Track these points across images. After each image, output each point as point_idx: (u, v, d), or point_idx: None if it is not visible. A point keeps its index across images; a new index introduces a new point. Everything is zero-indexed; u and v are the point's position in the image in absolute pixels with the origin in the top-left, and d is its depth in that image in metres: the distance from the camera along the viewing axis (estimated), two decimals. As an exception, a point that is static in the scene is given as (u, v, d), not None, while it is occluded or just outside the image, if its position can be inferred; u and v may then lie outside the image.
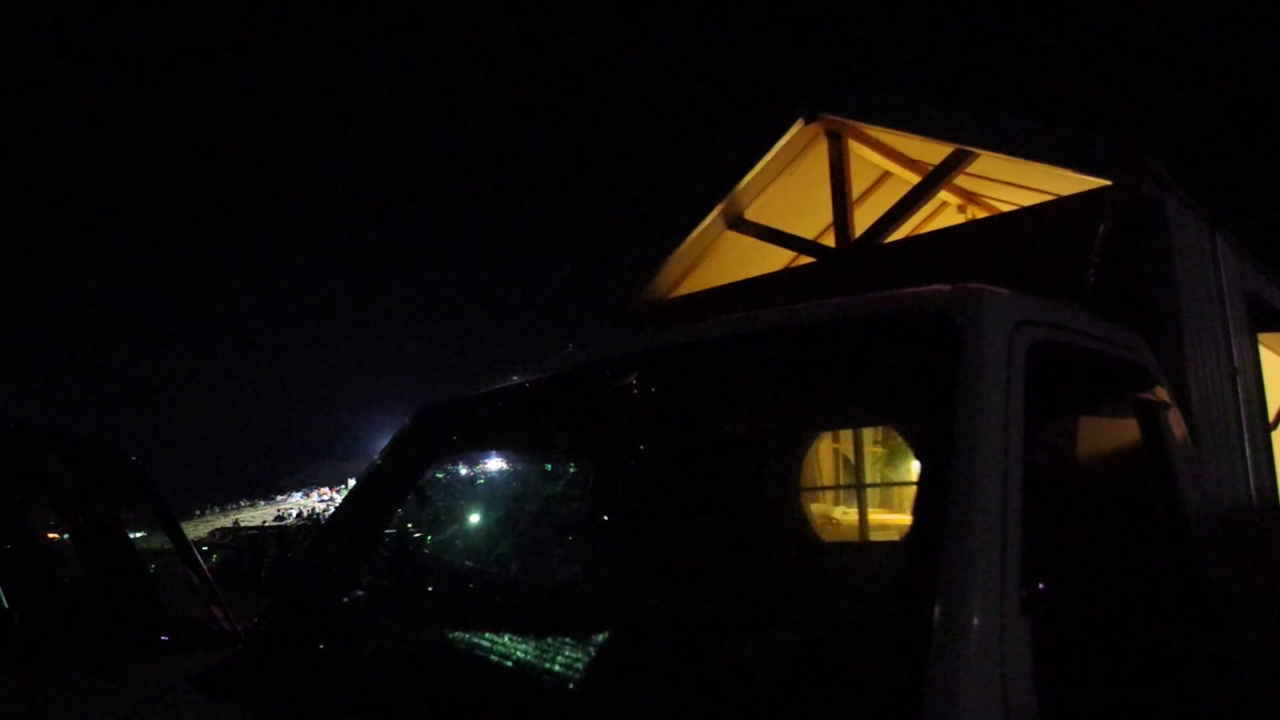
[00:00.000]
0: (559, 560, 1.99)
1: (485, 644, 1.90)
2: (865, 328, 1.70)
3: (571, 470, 2.03)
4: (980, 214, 7.20)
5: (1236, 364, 5.16)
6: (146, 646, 3.06)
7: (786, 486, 3.76)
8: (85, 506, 3.42)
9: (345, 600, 2.25)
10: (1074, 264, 2.48)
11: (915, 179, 6.26)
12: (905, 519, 1.36)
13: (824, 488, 8.51)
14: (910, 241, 6.31)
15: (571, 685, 1.70)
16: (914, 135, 5.72)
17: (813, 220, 7.06)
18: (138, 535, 3.71)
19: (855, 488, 8.35)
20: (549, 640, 1.81)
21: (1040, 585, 1.24)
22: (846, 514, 8.24)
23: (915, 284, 1.68)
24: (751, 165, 6.38)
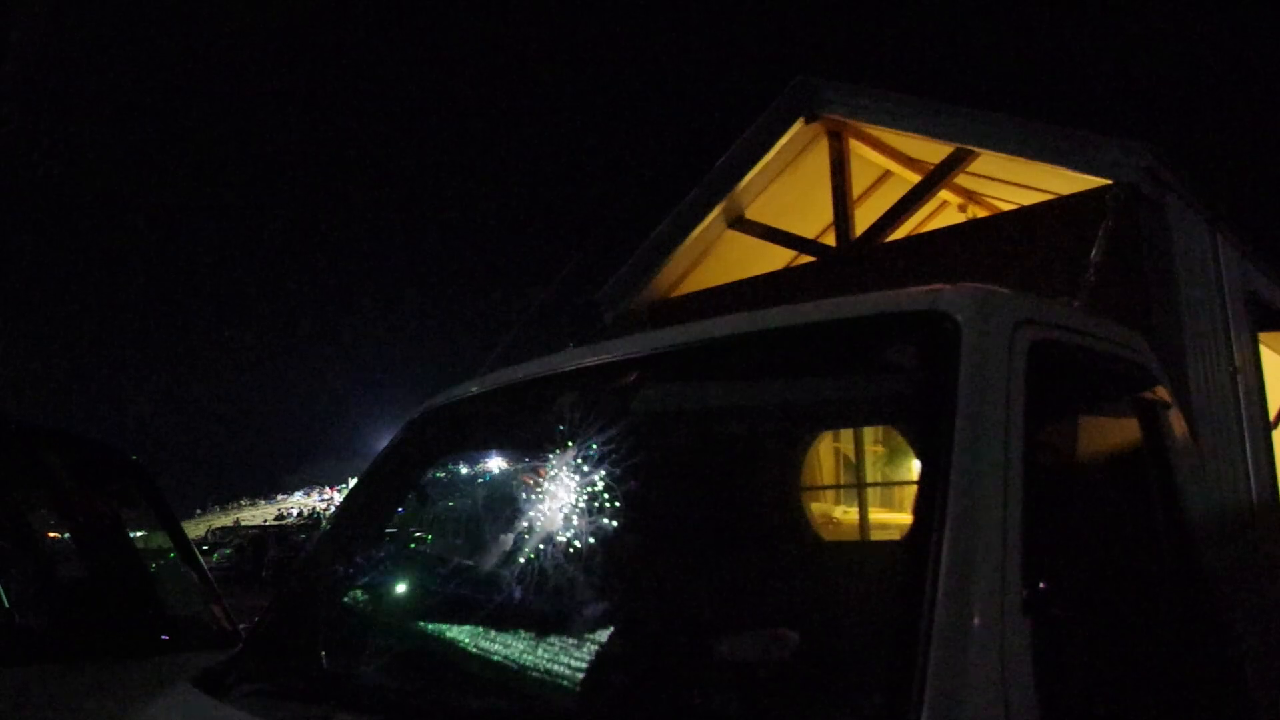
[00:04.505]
0: (558, 561, 1.98)
1: (485, 644, 1.89)
2: (866, 327, 1.70)
3: (571, 470, 2.03)
4: (981, 213, 7.20)
5: (1237, 363, 5.16)
6: (146, 646, 3.06)
7: (787, 486, 3.75)
8: (85, 506, 3.42)
9: (345, 600, 2.25)
10: (1074, 263, 2.48)
11: (916, 178, 6.26)
12: (906, 518, 1.36)
13: (824, 487, 8.50)
14: (911, 241, 6.31)
15: (572, 685, 1.70)
16: (915, 134, 5.73)
17: (813, 219, 7.06)
18: (138, 535, 3.70)
19: (856, 487, 8.34)
20: (549, 640, 1.80)
21: (1041, 585, 1.24)
22: (847, 513, 8.23)
23: (916, 283, 1.68)
24: (752, 164, 6.38)
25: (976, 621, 1.16)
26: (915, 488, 1.36)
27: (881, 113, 5.75)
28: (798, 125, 6.15)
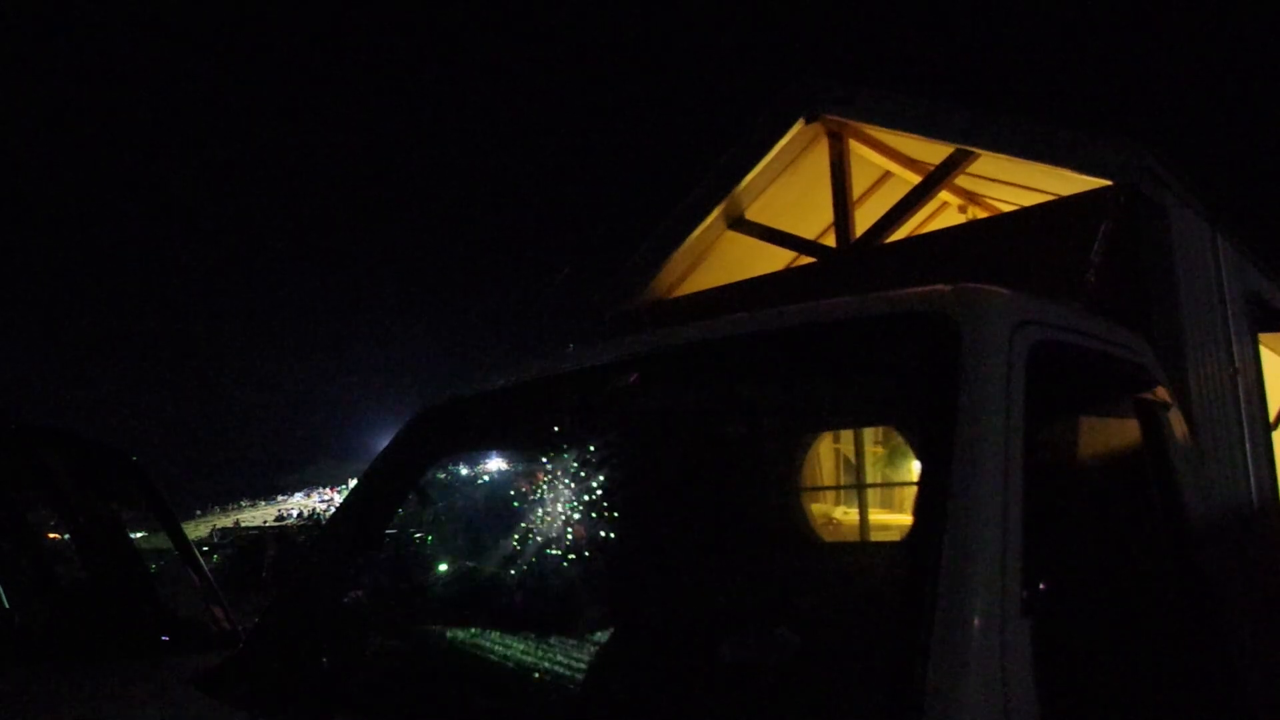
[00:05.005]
0: (559, 561, 1.99)
1: (485, 644, 1.90)
2: (866, 327, 1.70)
3: (571, 471, 2.03)
4: (981, 214, 7.20)
5: (1237, 364, 5.16)
6: (146, 646, 3.06)
7: (787, 486, 3.75)
8: (85, 506, 3.42)
9: (345, 600, 2.25)
10: (1074, 264, 2.48)
11: (916, 179, 6.25)
12: (906, 519, 1.36)
13: (825, 488, 8.50)
14: (911, 241, 6.30)
15: (572, 685, 1.70)
16: (915, 135, 5.72)
17: (813, 220, 7.05)
18: (138, 535, 3.70)
19: (856, 488, 8.34)
20: (549, 640, 1.81)
21: (1041, 586, 1.24)
22: (847, 514, 8.23)
23: (916, 284, 1.68)
24: (752, 165, 6.37)
25: (976, 621, 1.16)
26: (915, 488, 1.36)
27: (882, 113, 5.74)
28: (798, 126, 6.14)
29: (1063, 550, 1.50)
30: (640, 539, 2.43)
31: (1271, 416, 5.77)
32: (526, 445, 2.47)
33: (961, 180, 6.36)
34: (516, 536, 2.12)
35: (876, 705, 1.18)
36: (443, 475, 2.62)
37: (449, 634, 2.03)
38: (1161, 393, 2.04)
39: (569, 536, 1.99)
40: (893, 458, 9.00)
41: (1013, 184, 6.33)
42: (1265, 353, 5.90)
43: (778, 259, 7.02)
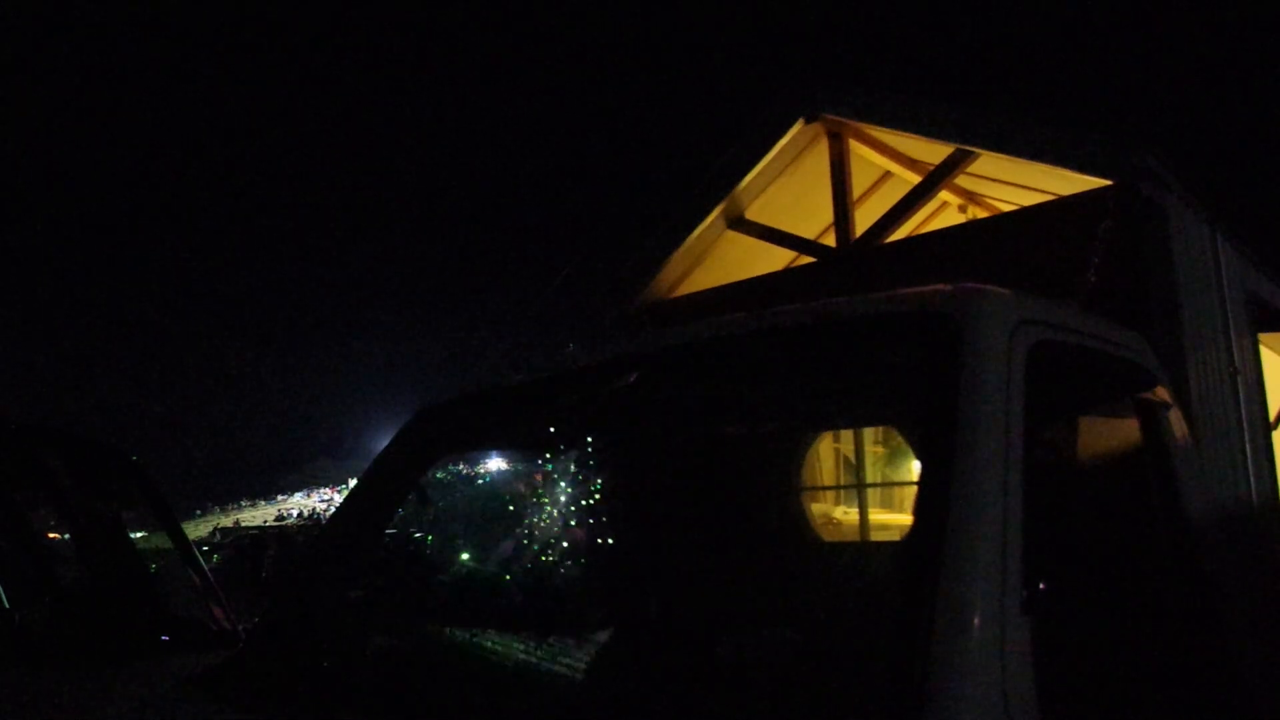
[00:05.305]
0: (559, 560, 1.99)
1: (485, 644, 1.90)
2: (866, 327, 1.70)
3: (572, 470, 2.03)
4: (981, 214, 7.20)
5: (1237, 364, 5.16)
6: (146, 646, 3.06)
7: (787, 486, 3.76)
8: (85, 506, 3.42)
9: (345, 600, 2.25)
10: (1074, 264, 2.48)
11: (916, 179, 6.25)
12: (906, 519, 1.36)
13: (825, 487, 8.50)
14: (911, 241, 6.31)
15: (571, 685, 1.70)
16: (915, 135, 5.72)
17: (813, 220, 7.05)
18: (138, 535, 3.71)
19: (856, 487, 8.33)
20: (549, 640, 1.81)
21: (1041, 585, 1.24)
22: (847, 514, 8.22)
23: (916, 284, 1.68)
24: (752, 165, 6.37)
25: (977, 622, 1.16)
26: (915, 488, 1.36)
27: (881, 113, 5.75)
28: (797, 126, 6.14)
29: (1063, 550, 1.50)
30: (641, 539, 2.43)
31: (1271, 416, 5.78)
32: (526, 445, 2.47)
33: (961, 180, 6.37)
34: (516, 536, 2.12)
35: (876, 705, 1.18)
36: (443, 475, 2.62)
37: (449, 634, 2.03)
38: (1161, 393, 2.04)
39: (569, 536, 1.99)
40: (893, 458, 8.99)
41: (1013, 184, 6.34)
42: (1265, 353, 5.90)
43: (778, 259, 7.03)
